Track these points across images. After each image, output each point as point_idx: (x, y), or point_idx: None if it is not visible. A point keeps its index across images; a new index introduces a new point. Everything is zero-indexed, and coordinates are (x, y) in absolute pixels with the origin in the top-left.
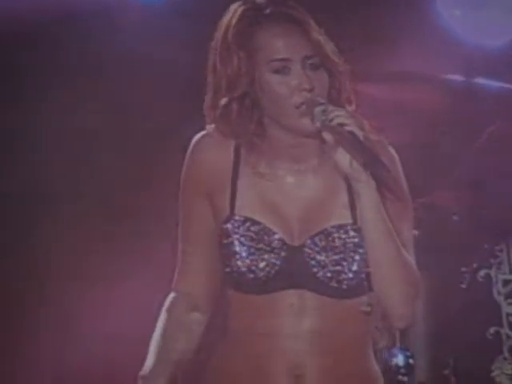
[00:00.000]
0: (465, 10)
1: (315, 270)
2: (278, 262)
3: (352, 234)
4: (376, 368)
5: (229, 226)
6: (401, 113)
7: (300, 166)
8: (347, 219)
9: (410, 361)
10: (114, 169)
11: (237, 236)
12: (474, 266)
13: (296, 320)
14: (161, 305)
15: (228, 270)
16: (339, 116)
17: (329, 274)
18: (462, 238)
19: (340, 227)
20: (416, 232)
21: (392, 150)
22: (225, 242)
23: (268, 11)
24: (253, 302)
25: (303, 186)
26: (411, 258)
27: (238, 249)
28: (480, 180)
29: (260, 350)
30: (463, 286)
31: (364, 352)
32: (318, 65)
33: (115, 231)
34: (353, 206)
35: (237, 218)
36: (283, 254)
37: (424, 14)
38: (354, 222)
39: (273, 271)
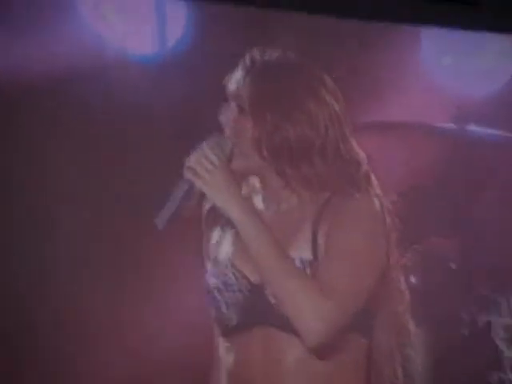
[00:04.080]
0: (454, 59)
1: (275, 305)
2: (242, 301)
3: (308, 268)
4: None
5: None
6: (393, 161)
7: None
8: (307, 254)
9: None
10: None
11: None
12: (474, 311)
13: (264, 361)
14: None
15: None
16: (188, 159)
17: None
18: (459, 284)
19: (296, 260)
20: (413, 279)
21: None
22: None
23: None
24: (226, 347)
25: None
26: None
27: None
28: (477, 225)
29: None
30: (463, 332)
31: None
32: (244, 108)
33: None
34: (315, 243)
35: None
36: (247, 292)
37: (413, 62)
38: (314, 258)
39: (238, 310)
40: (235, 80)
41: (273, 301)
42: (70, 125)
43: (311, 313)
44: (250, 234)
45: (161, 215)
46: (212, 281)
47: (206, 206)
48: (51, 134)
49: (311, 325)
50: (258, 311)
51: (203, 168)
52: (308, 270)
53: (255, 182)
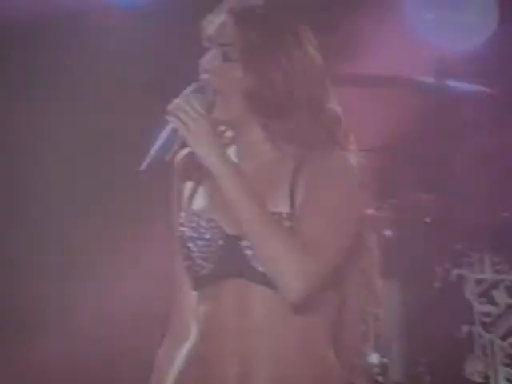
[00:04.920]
0: (436, 14)
1: (250, 257)
2: (217, 252)
3: (286, 223)
4: (332, 359)
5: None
6: (372, 116)
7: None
8: (285, 209)
9: (384, 360)
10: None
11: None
12: (447, 265)
13: (238, 312)
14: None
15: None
16: (171, 104)
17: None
18: (434, 238)
19: (274, 214)
20: (389, 232)
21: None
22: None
23: (224, 5)
24: (198, 298)
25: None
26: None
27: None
28: (452, 181)
29: (208, 346)
30: (436, 285)
31: (315, 342)
32: (232, 57)
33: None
34: (293, 198)
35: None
36: (221, 242)
37: (395, 16)
38: (292, 213)
39: (212, 261)
40: (216, 25)
41: (248, 253)
42: (45, 68)
43: (292, 269)
44: (230, 185)
45: (145, 159)
46: (186, 230)
47: (179, 157)
48: (26, 77)
49: (292, 281)
50: (231, 263)
51: (187, 115)
52: (285, 225)
53: (230, 133)
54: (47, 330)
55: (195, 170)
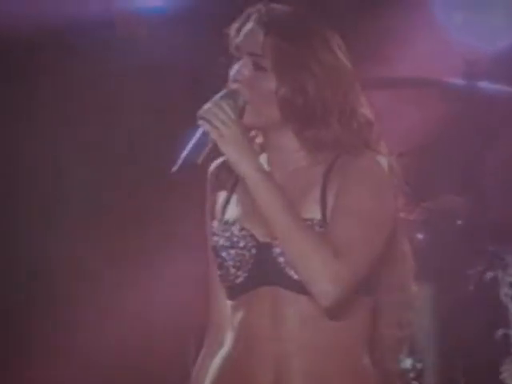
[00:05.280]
0: (465, 14)
1: (283, 265)
2: (250, 260)
3: (317, 229)
4: (367, 365)
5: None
6: (403, 119)
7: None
8: (316, 215)
9: (418, 365)
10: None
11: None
12: (481, 268)
13: (273, 319)
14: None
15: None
16: (203, 109)
17: None
18: (467, 241)
19: (305, 221)
20: (421, 236)
21: (372, 160)
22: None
23: (250, 13)
24: (233, 307)
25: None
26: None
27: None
28: (484, 183)
29: (244, 355)
30: (470, 288)
31: (350, 348)
32: (263, 67)
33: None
34: (324, 203)
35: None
36: (254, 251)
37: (423, 18)
38: (323, 219)
39: (246, 269)
40: (245, 33)
41: (281, 260)
42: (77, 78)
43: (325, 275)
44: (262, 190)
45: (177, 162)
46: (219, 240)
47: (212, 167)
48: (57, 86)
49: (326, 287)
50: (265, 271)
51: (218, 119)
52: (317, 231)
53: (260, 139)
54: (85, 342)
55: (228, 178)
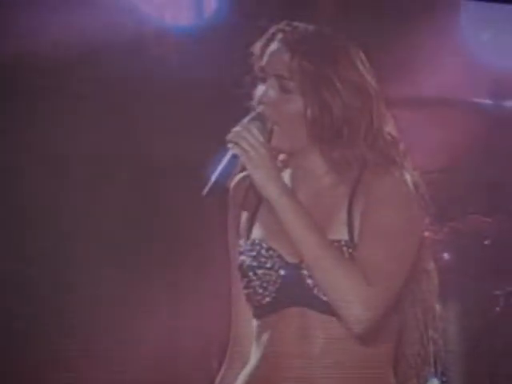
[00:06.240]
0: (493, 34)
1: (312, 286)
2: (277, 281)
3: (345, 250)
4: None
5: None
6: (430, 138)
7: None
8: (344, 235)
9: None
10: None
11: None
12: (508, 289)
13: (300, 340)
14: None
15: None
16: (232, 132)
17: None
18: (494, 261)
19: (332, 242)
20: (448, 256)
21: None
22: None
23: (274, 32)
24: (259, 326)
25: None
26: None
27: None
28: (510, 203)
29: (270, 374)
30: (497, 309)
31: (377, 368)
32: (290, 89)
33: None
34: (351, 224)
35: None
36: (282, 272)
37: (450, 36)
38: (351, 240)
39: (273, 290)
40: (269, 54)
41: (310, 282)
42: (106, 100)
43: (356, 300)
44: (289, 215)
45: (207, 185)
46: (246, 259)
47: (234, 181)
48: (85, 109)
49: (359, 314)
50: (293, 292)
51: (247, 143)
52: (346, 253)
53: (283, 156)
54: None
55: (252, 196)
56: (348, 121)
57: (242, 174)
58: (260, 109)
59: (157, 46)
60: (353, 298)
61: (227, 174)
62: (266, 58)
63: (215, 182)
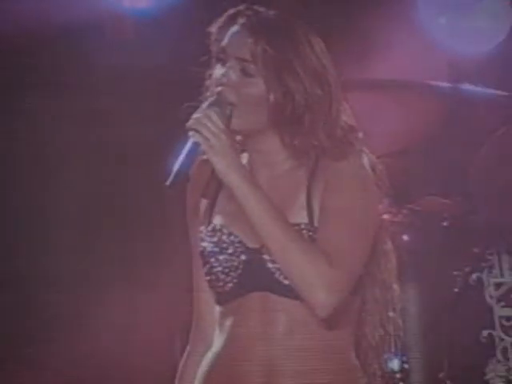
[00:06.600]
0: (449, 18)
1: (273, 270)
2: (239, 266)
3: (306, 233)
4: (357, 365)
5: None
6: (387, 121)
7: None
8: (303, 219)
9: (405, 365)
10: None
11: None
12: (466, 269)
13: (263, 323)
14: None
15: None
16: (192, 119)
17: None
18: (452, 243)
19: (293, 226)
20: (406, 237)
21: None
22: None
23: (234, 14)
24: (222, 312)
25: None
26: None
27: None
28: (468, 185)
29: (234, 356)
30: (455, 289)
31: (340, 348)
32: (251, 73)
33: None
34: (310, 207)
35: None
36: (243, 257)
37: (407, 20)
38: (311, 223)
39: (236, 275)
40: (230, 36)
41: (271, 266)
42: (64, 78)
43: (319, 283)
44: (251, 202)
45: (170, 175)
46: (207, 246)
47: (193, 170)
48: (43, 97)
49: (320, 295)
50: (254, 277)
51: (208, 130)
52: (306, 236)
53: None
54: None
55: (212, 182)
56: (310, 108)
57: (201, 159)
58: (219, 90)
59: (115, 29)
60: (316, 281)
61: (189, 163)
62: (226, 40)
63: (177, 172)
